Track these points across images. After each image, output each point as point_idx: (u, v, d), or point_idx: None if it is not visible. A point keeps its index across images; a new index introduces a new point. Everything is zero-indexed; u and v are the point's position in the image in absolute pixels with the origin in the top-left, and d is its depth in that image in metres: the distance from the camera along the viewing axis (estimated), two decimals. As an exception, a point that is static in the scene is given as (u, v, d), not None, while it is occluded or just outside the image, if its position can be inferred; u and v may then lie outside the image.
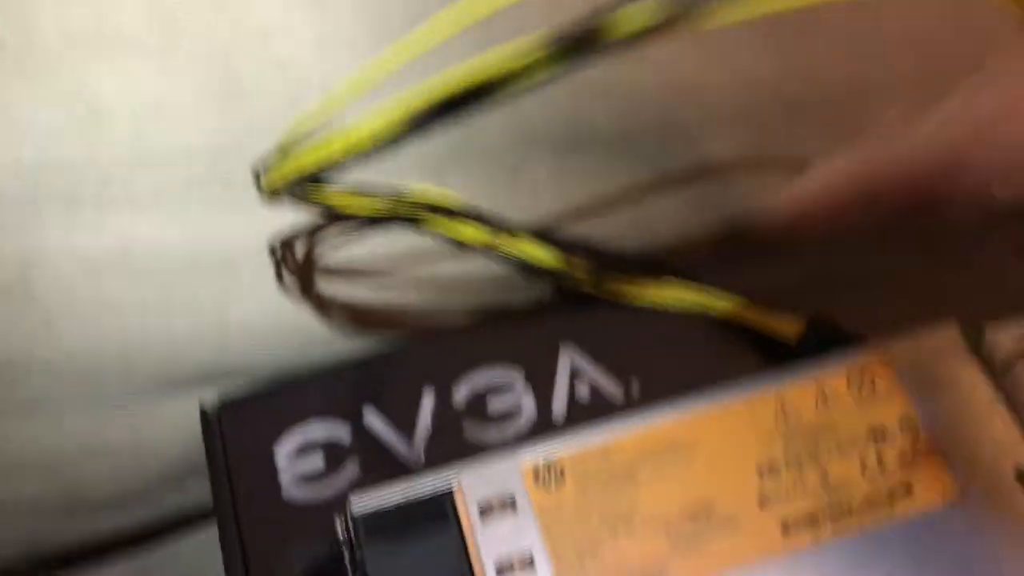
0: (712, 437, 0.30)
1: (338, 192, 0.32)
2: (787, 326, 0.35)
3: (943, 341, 0.31)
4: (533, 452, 0.30)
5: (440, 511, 0.29)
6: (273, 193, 0.30)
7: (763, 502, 0.29)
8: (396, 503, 0.29)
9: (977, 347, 0.33)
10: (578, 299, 0.37)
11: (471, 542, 0.28)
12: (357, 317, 0.37)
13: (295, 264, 0.36)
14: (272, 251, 0.35)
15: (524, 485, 0.29)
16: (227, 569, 0.33)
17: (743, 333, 0.36)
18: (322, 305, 0.37)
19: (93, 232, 0.32)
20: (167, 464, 0.39)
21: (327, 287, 0.37)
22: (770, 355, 0.35)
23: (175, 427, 0.37)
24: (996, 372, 0.33)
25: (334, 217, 0.35)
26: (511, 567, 0.28)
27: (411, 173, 0.34)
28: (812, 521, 0.28)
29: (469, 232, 0.35)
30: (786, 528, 0.28)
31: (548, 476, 0.29)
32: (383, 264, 0.37)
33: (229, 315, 0.35)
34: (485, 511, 0.29)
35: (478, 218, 0.35)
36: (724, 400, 0.30)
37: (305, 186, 0.31)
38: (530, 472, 0.30)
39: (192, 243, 0.33)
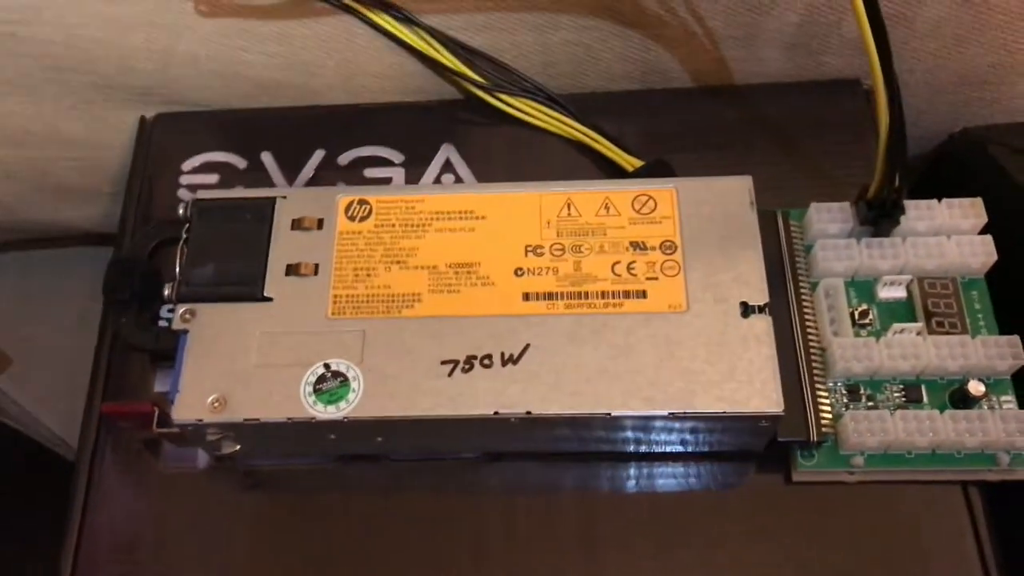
0: (501, 215, 0.34)
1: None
2: (631, 162, 0.38)
3: (735, 189, 0.34)
4: (355, 191, 0.35)
5: (261, 214, 0.35)
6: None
7: (518, 273, 0.33)
8: (231, 200, 0.35)
9: (776, 218, 0.36)
10: (471, 105, 0.41)
11: (275, 241, 0.34)
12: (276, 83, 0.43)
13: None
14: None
15: (336, 213, 0.35)
16: (122, 222, 0.40)
17: (600, 161, 0.40)
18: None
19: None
20: (119, 166, 0.46)
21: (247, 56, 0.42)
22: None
23: (121, 133, 0.44)
24: (791, 240, 0.36)
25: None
26: (298, 268, 0.34)
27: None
28: (550, 296, 0.32)
29: (383, 22, 0.40)
30: (526, 296, 0.33)
31: (358, 210, 0.35)
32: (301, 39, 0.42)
33: (178, 44, 0.41)
34: (297, 223, 0.34)
35: (396, 12, 0.40)
36: (523, 190, 0.35)
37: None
38: (345, 204, 0.35)
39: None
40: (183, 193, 0.41)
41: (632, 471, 0.34)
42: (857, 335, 0.34)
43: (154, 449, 0.36)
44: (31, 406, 0.50)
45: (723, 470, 0.34)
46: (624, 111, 0.41)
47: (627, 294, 0.32)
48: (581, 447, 0.33)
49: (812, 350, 0.34)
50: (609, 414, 0.30)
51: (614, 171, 0.39)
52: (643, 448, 0.33)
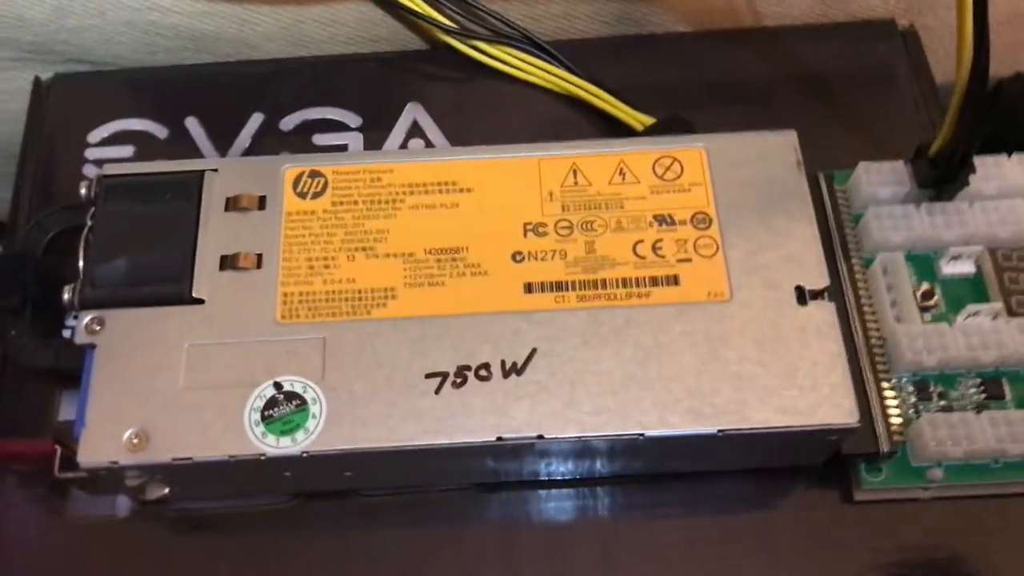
0: (491, 186, 0.27)
1: None
2: (640, 119, 0.32)
3: (777, 146, 0.28)
4: (303, 161, 0.28)
5: (186, 192, 0.27)
6: None
7: (516, 258, 0.26)
8: (147, 176, 0.28)
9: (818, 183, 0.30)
10: (441, 57, 0.35)
11: (205, 226, 0.27)
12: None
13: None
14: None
15: (281, 188, 0.27)
16: (13, 209, 0.32)
17: (602, 119, 0.33)
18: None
19: None
20: (6, 141, 0.38)
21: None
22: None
23: (10, 99, 0.36)
24: (837, 208, 0.30)
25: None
26: (236, 260, 0.26)
27: None
28: (558, 287, 0.26)
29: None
30: (529, 288, 0.26)
31: (309, 185, 0.28)
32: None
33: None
34: (232, 202, 0.27)
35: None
36: (517, 154, 0.28)
37: None
38: (292, 177, 0.28)
39: None
40: (90, 170, 0.33)
41: (661, 494, 0.28)
42: (922, 320, 0.29)
43: (62, 492, 0.28)
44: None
45: (770, 488, 0.28)
46: (623, 60, 0.35)
47: (655, 281, 0.26)
48: (597, 472, 0.27)
49: (873, 342, 0.28)
50: (642, 435, 0.24)
51: (617, 131, 0.32)
52: (674, 469, 0.27)
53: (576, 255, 0.26)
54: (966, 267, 0.30)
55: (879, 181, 0.30)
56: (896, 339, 0.28)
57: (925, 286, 0.29)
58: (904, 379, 0.28)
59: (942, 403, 0.28)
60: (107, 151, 0.33)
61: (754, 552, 0.27)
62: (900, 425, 0.27)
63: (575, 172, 0.27)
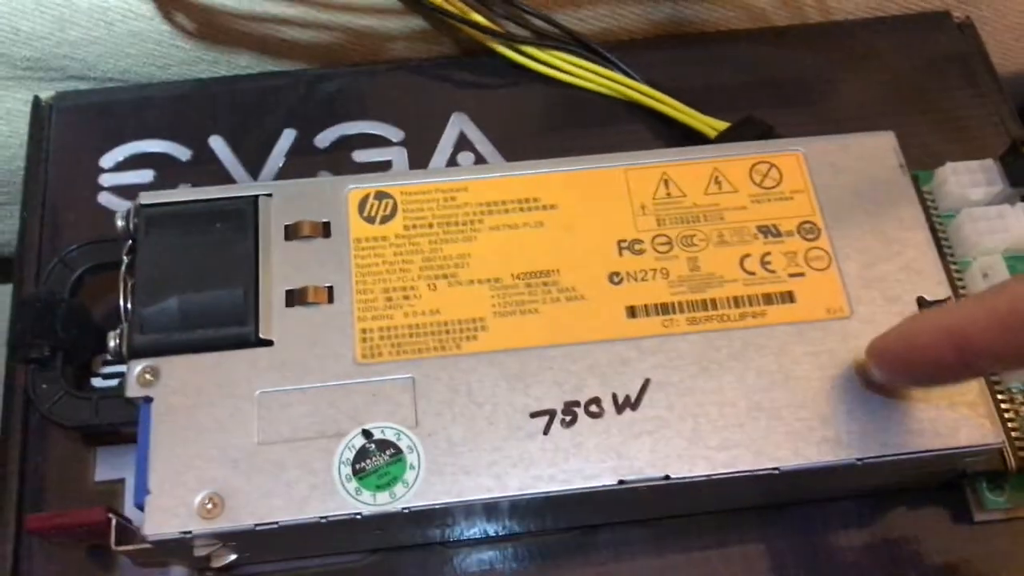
0: (576, 201, 0.25)
1: None
2: (710, 123, 0.30)
3: (877, 148, 0.26)
4: (367, 181, 0.25)
5: (240, 221, 0.24)
6: None
7: (614, 280, 0.24)
8: (192, 203, 0.25)
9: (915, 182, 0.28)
10: (485, 64, 0.32)
11: (266, 258, 0.24)
12: (222, 35, 0.32)
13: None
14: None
15: (346, 213, 0.25)
16: (20, 245, 0.29)
17: (664, 124, 0.31)
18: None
19: None
20: (4, 168, 0.34)
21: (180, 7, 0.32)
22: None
23: (7, 120, 0.33)
24: (926, 208, 0.28)
25: None
26: (305, 295, 0.24)
27: None
28: (664, 310, 0.24)
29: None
30: (632, 312, 0.24)
31: (377, 208, 0.25)
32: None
33: (77, 2, 0.30)
34: (293, 230, 0.24)
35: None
36: (602, 165, 0.26)
37: None
38: (357, 200, 0.25)
39: None
40: (107, 199, 0.30)
41: (780, 521, 0.26)
42: (1028, 326, 0.27)
43: (105, 562, 0.25)
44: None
45: (885, 512, 0.26)
46: (676, 60, 0.33)
47: (769, 299, 0.24)
48: (711, 508, 0.25)
49: (982, 351, 0.26)
50: (778, 469, 0.22)
51: (684, 137, 0.30)
52: (789, 499, 0.25)
53: (680, 273, 0.24)
54: (1063, 267, 0.28)
55: (969, 182, 0.28)
56: (1008, 348, 0.26)
57: (1024, 290, 0.28)
58: (1015, 389, 0.27)
59: (1056, 413, 0.27)
60: (124, 176, 0.30)
61: (873, 579, 0.25)
62: (1020, 439, 0.25)
63: (666, 182, 0.25)
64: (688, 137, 0.30)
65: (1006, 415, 0.26)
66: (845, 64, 0.33)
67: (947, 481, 0.25)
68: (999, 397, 0.26)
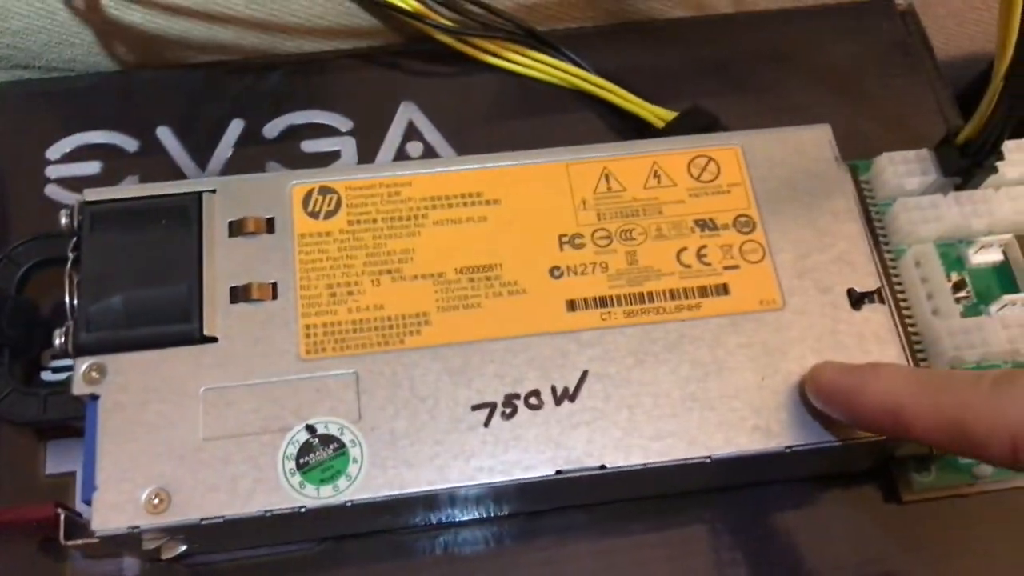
0: (518, 196, 0.25)
1: None
2: (656, 112, 0.30)
3: (813, 141, 0.27)
4: (312, 175, 0.26)
5: (183, 217, 0.24)
6: None
7: (555, 274, 0.25)
8: (135, 199, 0.25)
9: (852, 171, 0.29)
10: (434, 52, 0.32)
11: (210, 255, 0.24)
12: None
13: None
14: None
15: (290, 208, 0.25)
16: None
17: (613, 114, 0.31)
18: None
19: None
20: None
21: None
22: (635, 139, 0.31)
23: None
24: (862, 197, 0.29)
25: None
26: (248, 291, 0.24)
27: None
28: (603, 303, 0.24)
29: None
30: (572, 305, 0.24)
31: (321, 203, 0.25)
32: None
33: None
34: (237, 226, 0.25)
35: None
36: (544, 160, 0.26)
37: None
38: (301, 195, 0.25)
39: None
40: (53, 191, 0.30)
41: (716, 505, 0.26)
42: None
43: (56, 555, 0.26)
44: None
45: (819, 495, 0.27)
46: (622, 49, 0.33)
47: (704, 291, 0.25)
48: (649, 493, 0.26)
49: (914, 337, 0.27)
50: (709, 458, 0.23)
51: (632, 126, 0.31)
52: (727, 483, 0.26)
53: (618, 267, 0.25)
54: (994, 255, 0.29)
55: (905, 171, 0.29)
56: (937, 335, 0.27)
57: (955, 277, 0.29)
58: (943, 374, 0.28)
59: (983, 397, 0.27)
60: (70, 168, 0.30)
61: (808, 558, 0.26)
62: (947, 423, 0.26)
63: (607, 177, 0.26)
64: (636, 127, 0.31)
65: (934, 400, 0.27)
66: (790, 51, 0.34)
67: (877, 465, 0.26)
68: (928, 382, 0.27)
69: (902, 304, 0.28)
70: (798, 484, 0.27)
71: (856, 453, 0.24)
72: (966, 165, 0.28)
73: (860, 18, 0.34)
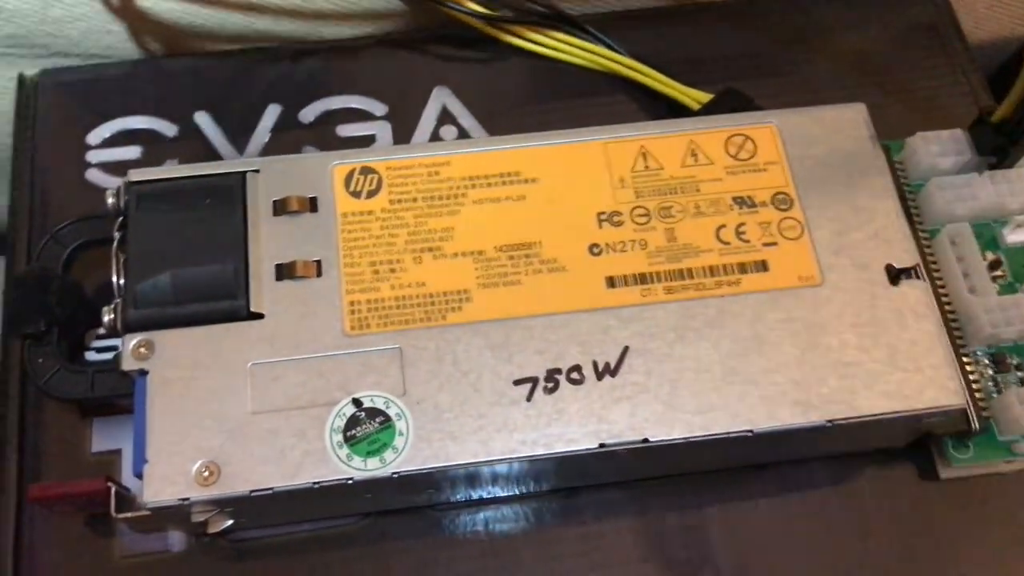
0: (556, 174, 0.26)
1: None
2: (692, 95, 0.31)
3: (848, 120, 0.27)
4: (352, 156, 0.26)
5: (228, 196, 0.25)
6: None
7: (594, 251, 0.25)
8: (180, 178, 0.25)
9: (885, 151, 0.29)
10: (467, 37, 0.32)
11: (255, 233, 0.25)
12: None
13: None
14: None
15: (332, 187, 0.25)
16: (11, 223, 0.29)
17: (647, 96, 0.32)
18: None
19: None
20: None
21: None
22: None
23: (1, 96, 0.33)
24: (896, 180, 0.29)
25: None
26: (293, 268, 0.24)
27: None
28: (643, 279, 0.25)
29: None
30: (611, 282, 0.25)
31: (362, 183, 0.25)
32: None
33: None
34: (281, 205, 0.25)
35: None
36: (581, 139, 0.26)
37: None
38: (343, 175, 0.26)
39: None
40: (95, 175, 0.30)
41: (755, 482, 0.27)
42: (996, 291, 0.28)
43: (104, 530, 0.26)
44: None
45: (856, 472, 0.27)
46: (655, 33, 0.33)
47: (743, 267, 0.25)
48: (690, 469, 0.26)
49: (949, 315, 0.27)
50: (751, 431, 0.23)
51: (668, 109, 0.31)
52: (766, 459, 0.26)
53: (657, 244, 0.25)
54: (1030, 234, 0.29)
55: (939, 151, 0.29)
56: (974, 313, 0.27)
57: (991, 256, 0.29)
58: (980, 353, 0.28)
59: (1020, 375, 0.27)
60: (111, 153, 0.31)
61: (846, 534, 0.27)
62: (983, 400, 0.27)
63: (644, 155, 0.26)
64: (671, 109, 0.31)
65: (971, 377, 0.27)
66: (823, 34, 0.34)
67: (914, 441, 0.26)
68: (964, 360, 0.27)
69: (938, 283, 0.28)
70: (836, 461, 0.27)
71: (895, 429, 0.24)
72: (1001, 143, 0.29)
73: (891, 2, 0.35)
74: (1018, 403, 0.26)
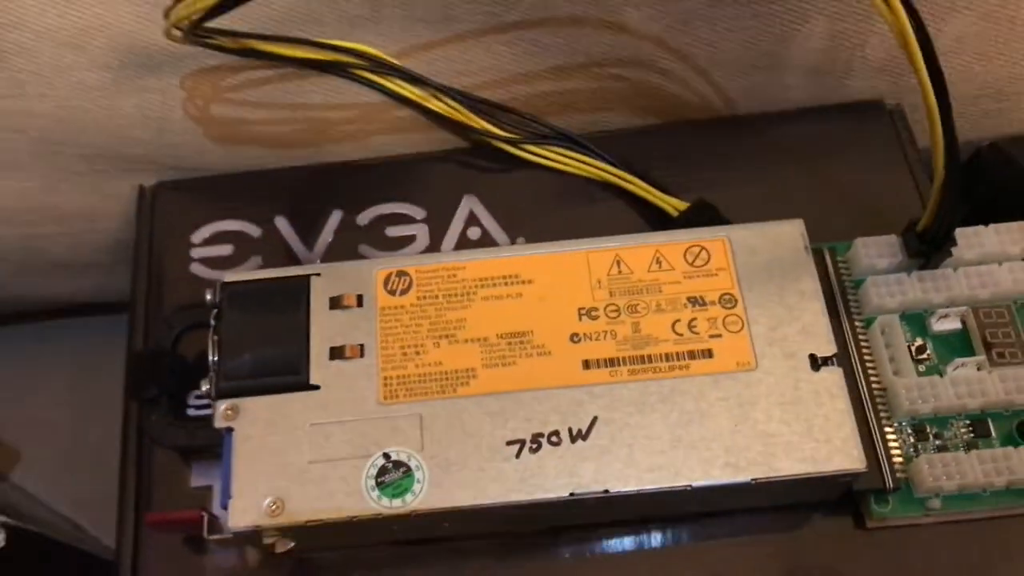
0: (548, 277, 0.33)
1: (262, 42, 0.35)
2: (672, 203, 0.37)
3: (787, 234, 0.33)
4: (391, 262, 0.33)
5: (297, 295, 0.33)
6: (181, 32, 0.32)
7: (574, 339, 0.32)
8: (262, 280, 0.33)
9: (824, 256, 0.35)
10: (491, 153, 0.40)
11: (315, 323, 0.32)
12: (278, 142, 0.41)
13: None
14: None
15: (374, 287, 0.33)
16: (132, 303, 0.38)
17: (635, 203, 0.38)
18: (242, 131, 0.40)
19: (61, 10, 0.36)
20: (114, 238, 0.43)
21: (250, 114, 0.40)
22: (653, 225, 0.38)
23: (117, 203, 0.42)
24: (840, 277, 0.35)
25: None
26: (343, 351, 0.32)
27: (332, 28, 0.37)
28: (611, 363, 0.31)
29: (392, 85, 0.38)
30: (587, 364, 0.31)
31: (397, 283, 0.33)
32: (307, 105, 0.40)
33: (174, 110, 0.39)
34: (335, 301, 0.33)
35: (402, 72, 0.38)
36: (568, 248, 0.33)
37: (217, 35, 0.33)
38: (383, 277, 0.33)
39: (143, 33, 0.37)
40: (197, 268, 0.38)
41: (697, 528, 0.33)
42: (917, 372, 0.34)
43: (197, 547, 0.34)
44: (47, 495, 0.47)
45: (793, 521, 0.33)
46: (649, 148, 0.40)
47: (692, 355, 0.31)
48: (646, 515, 0.32)
49: (875, 392, 0.33)
50: (690, 486, 0.29)
51: (650, 212, 0.38)
52: (711, 508, 0.32)
53: (625, 334, 0.32)
54: (953, 324, 0.35)
55: (876, 253, 0.35)
56: (895, 390, 0.33)
57: (918, 341, 0.34)
58: (904, 423, 0.33)
59: (937, 443, 0.33)
60: (209, 250, 0.39)
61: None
62: (902, 463, 0.32)
63: (618, 262, 0.33)
64: (655, 213, 0.38)
65: (893, 443, 0.32)
66: (788, 148, 0.40)
67: (843, 496, 0.32)
68: (887, 429, 0.33)
69: (869, 365, 0.34)
70: (775, 511, 0.33)
71: (812, 487, 0.30)
72: (926, 249, 0.34)
73: (852, 117, 0.41)
74: (927, 467, 0.32)
